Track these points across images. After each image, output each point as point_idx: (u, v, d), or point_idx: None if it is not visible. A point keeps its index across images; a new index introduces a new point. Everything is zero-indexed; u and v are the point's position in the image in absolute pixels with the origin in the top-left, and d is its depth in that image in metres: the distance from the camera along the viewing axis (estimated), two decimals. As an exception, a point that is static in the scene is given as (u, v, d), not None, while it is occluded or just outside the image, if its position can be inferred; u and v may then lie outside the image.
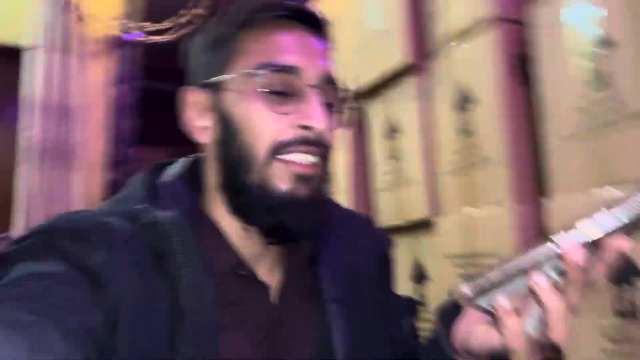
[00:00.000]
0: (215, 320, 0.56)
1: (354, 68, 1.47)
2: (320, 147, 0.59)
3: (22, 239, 0.54)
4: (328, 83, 0.61)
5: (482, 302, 0.56)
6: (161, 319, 0.54)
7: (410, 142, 1.36)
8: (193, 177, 0.65)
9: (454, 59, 1.21)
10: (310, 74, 0.59)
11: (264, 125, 0.58)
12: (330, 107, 0.61)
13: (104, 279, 0.51)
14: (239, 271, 0.61)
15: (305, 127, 0.58)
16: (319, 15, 0.63)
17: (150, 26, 2.49)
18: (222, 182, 0.62)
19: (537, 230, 1.03)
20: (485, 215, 1.11)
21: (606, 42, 0.91)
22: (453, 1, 1.21)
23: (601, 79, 0.91)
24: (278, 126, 0.58)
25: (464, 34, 1.18)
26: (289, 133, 0.58)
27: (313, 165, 0.59)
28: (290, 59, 0.59)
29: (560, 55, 0.99)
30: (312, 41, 0.61)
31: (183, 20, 2.53)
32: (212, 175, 0.63)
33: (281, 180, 0.58)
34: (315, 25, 0.62)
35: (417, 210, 1.32)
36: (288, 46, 0.59)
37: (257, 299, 0.62)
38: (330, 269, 0.67)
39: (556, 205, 0.98)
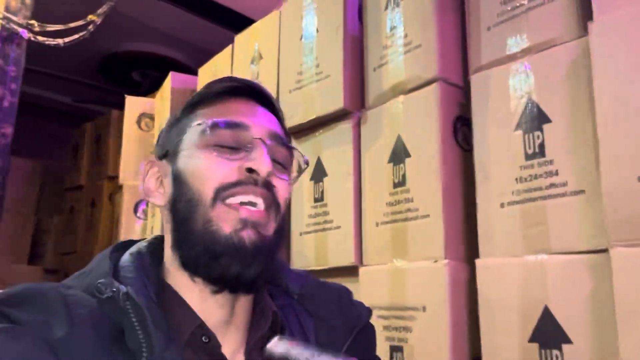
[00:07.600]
0: None
1: (289, 107, 1.44)
2: (266, 190, 0.60)
3: None
4: (276, 142, 0.64)
5: None
6: None
7: (339, 188, 1.35)
8: (157, 251, 0.65)
9: (393, 112, 1.24)
10: (258, 130, 0.62)
11: (212, 170, 0.60)
12: (280, 165, 0.64)
13: (63, 354, 0.50)
14: (201, 337, 0.59)
15: (251, 170, 0.60)
16: (265, 90, 0.68)
17: (38, 26, 2.23)
18: (174, 239, 0.62)
19: (467, 288, 1.07)
20: (415, 268, 1.13)
21: (540, 116, 0.98)
22: (396, 57, 1.25)
23: (535, 151, 0.98)
24: (224, 170, 0.60)
25: (405, 89, 1.21)
26: (234, 175, 0.60)
27: (259, 211, 0.60)
28: (239, 118, 0.62)
29: (494, 124, 1.05)
30: (260, 109, 0.66)
31: (74, 25, 2.31)
32: (168, 241, 0.63)
33: (225, 223, 0.58)
34: (264, 98, 0.67)
35: (342, 257, 1.31)
36: (238, 109, 0.64)
37: None
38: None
39: (485, 266, 1.03)
